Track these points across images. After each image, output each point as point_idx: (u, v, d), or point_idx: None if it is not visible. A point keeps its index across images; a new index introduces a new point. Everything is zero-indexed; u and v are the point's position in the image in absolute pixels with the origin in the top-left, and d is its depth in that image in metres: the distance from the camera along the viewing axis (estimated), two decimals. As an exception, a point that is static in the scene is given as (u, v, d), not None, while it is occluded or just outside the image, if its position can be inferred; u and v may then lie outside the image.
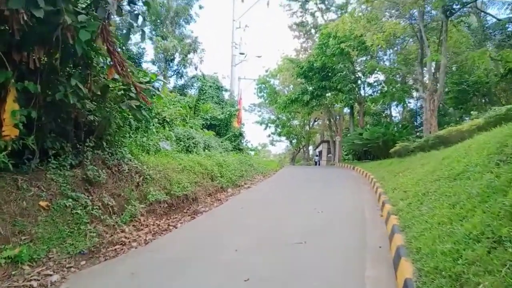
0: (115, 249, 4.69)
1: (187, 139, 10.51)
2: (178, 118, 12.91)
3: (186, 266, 3.96)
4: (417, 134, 20.99)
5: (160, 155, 8.62)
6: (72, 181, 5.11)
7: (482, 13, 16.86)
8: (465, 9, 14.37)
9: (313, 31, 33.40)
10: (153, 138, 8.87)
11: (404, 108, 34.79)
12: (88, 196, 5.20)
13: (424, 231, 3.69)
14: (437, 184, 5.00)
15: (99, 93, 5.82)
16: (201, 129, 18.65)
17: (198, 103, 21.61)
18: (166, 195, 7.23)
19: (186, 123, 17.45)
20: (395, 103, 34.04)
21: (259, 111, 50.33)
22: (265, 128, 48.07)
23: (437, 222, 3.68)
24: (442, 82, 13.16)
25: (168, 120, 10.56)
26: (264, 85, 42.37)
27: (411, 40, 17.66)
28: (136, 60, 22.85)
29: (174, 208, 7.35)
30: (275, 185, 11.10)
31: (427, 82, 13.61)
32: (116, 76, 5.70)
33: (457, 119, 22.43)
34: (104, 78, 5.91)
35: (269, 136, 49.54)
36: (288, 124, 44.80)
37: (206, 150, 11.75)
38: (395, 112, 37.08)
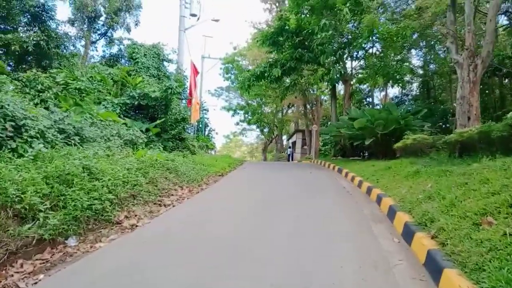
0: None
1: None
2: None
3: None
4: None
5: None
6: None
7: None
8: None
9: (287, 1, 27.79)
10: None
11: (386, 95, 30.08)
12: None
13: None
14: None
15: None
16: (120, 111, 12.78)
17: (126, 77, 15.55)
18: None
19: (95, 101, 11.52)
20: (378, 88, 29.30)
21: (227, 96, 44.65)
22: (233, 115, 42.52)
23: None
24: (492, 37, 7.91)
25: None
26: (231, 65, 36.57)
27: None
28: (39, 15, 16.40)
29: None
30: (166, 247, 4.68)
31: (465, 37, 8.29)
32: None
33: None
34: None
35: (237, 124, 43.95)
36: (259, 111, 39.31)
37: (63, 145, 5.92)
38: (377, 100, 32.52)
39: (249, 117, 40.16)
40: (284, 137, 46.35)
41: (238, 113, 41.69)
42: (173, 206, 6.05)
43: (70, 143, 6.15)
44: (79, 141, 6.33)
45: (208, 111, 33.95)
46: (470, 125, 7.98)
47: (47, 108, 7.07)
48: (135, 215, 5.18)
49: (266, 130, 42.60)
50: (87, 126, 6.90)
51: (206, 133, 32.24)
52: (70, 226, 4.24)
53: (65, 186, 4.63)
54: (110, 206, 5.01)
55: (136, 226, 4.84)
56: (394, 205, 5.00)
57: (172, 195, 6.83)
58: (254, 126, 43.44)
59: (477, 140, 6.61)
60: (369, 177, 7.96)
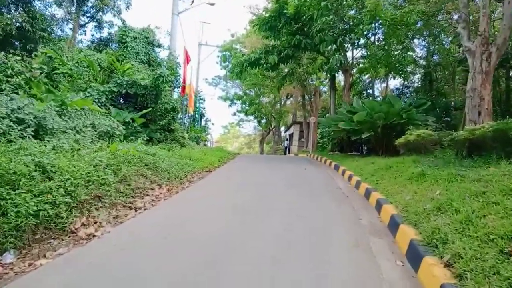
0: None
1: None
2: None
3: None
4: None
5: None
6: None
7: None
8: None
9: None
10: None
11: (386, 87, 29.20)
12: None
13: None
14: None
15: None
16: (106, 99, 12.06)
17: (114, 63, 14.69)
18: None
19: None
20: (378, 80, 28.42)
21: (225, 85, 43.75)
22: (230, 105, 41.66)
23: None
24: (510, 21, 7.11)
25: None
26: (229, 53, 35.54)
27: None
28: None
29: None
30: None
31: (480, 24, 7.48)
32: None
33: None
34: None
35: (234, 114, 43.09)
36: (257, 101, 38.39)
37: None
38: (378, 91, 31.63)
39: (247, 107, 39.30)
40: (282, 129, 45.60)
41: (235, 103, 40.87)
42: (145, 209, 5.33)
43: (29, 135, 5.41)
44: (33, 133, 5.56)
45: (204, 100, 33.09)
46: (481, 121, 7.26)
47: (7, 95, 6.28)
48: (95, 222, 4.45)
49: (263, 121, 41.77)
50: (52, 115, 6.11)
51: (203, 123, 31.46)
52: (8, 238, 3.53)
53: (8, 188, 3.90)
54: (66, 211, 4.30)
55: (94, 235, 4.12)
56: (397, 215, 4.29)
57: (148, 195, 6.11)
58: (251, 117, 42.61)
59: (490, 139, 5.88)
60: (367, 177, 7.24)
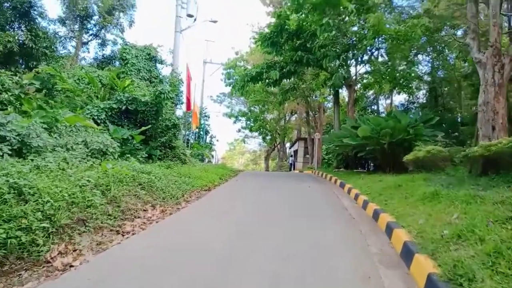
0: None
1: None
2: None
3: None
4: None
5: None
6: None
7: None
8: None
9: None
10: None
11: (391, 103, 28.79)
12: None
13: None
14: None
15: None
16: (106, 116, 11.83)
17: (115, 80, 14.53)
18: None
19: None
20: (383, 96, 28.14)
21: (229, 102, 43.79)
22: (235, 122, 41.50)
23: None
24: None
25: None
26: (233, 70, 35.73)
27: None
28: (26, 12, 15.46)
29: None
30: None
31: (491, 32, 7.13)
32: None
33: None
34: None
35: (239, 131, 42.90)
36: (261, 117, 38.24)
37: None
38: (382, 108, 31.23)
39: (251, 124, 39.13)
40: (288, 145, 45.22)
41: (240, 119, 40.70)
42: (133, 234, 4.89)
43: (10, 154, 5.05)
44: (15, 151, 5.21)
45: (209, 117, 32.99)
46: (495, 136, 6.81)
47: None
48: (74, 250, 4.02)
49: (268, 137, 41.48)
50: (38, 132, 5.75)
51: (208, 140, 31.25)
52: (-32, 271, 3.12)
53: (-25, 214, 3.52)
54: (43, 237, 3.89)
55: (71, 266, 3.69)
56: (411, 243, 3.81)
57: (139, 217, 5.68)
58: (256, 133, 42.35)
59: (509, 155, 5.42)
60: (375, 197, 6.76)
